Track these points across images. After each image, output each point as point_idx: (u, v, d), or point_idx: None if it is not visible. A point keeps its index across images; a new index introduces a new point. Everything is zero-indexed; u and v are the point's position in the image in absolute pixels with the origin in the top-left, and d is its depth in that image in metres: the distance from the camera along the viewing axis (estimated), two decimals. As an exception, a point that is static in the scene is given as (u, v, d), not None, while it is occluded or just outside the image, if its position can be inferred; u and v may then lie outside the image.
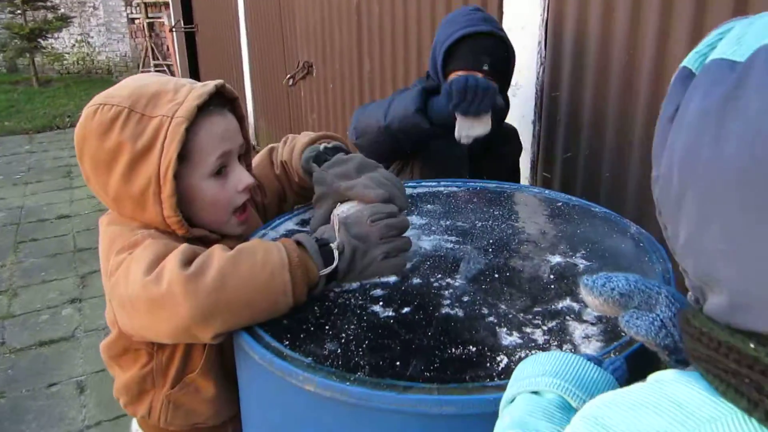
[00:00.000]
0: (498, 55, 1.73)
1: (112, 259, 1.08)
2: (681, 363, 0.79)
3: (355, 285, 1.10)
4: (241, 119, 1.27)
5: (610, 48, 1.86)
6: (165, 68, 12.95)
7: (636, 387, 0.56)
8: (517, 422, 0.67)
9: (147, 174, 1.10)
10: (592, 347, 0.89)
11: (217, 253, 1.00)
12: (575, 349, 0.89)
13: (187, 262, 0.98)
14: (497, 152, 1.91)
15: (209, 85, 1.16)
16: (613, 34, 1.84)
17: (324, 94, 3.95)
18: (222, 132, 1.19)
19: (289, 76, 4.17)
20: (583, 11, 1.92)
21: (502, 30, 1.77)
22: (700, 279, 0.53)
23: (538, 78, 2.15)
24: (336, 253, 1.05)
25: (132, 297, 1.00)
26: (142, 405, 1.25)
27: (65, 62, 13.88)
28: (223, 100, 1.22)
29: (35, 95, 11.49)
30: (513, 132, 2.02)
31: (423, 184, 1.61)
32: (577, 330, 0.94)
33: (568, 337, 0.92)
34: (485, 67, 1.70)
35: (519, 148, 2.04)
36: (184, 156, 1.12)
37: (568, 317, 0.97)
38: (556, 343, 0.91)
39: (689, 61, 0.57)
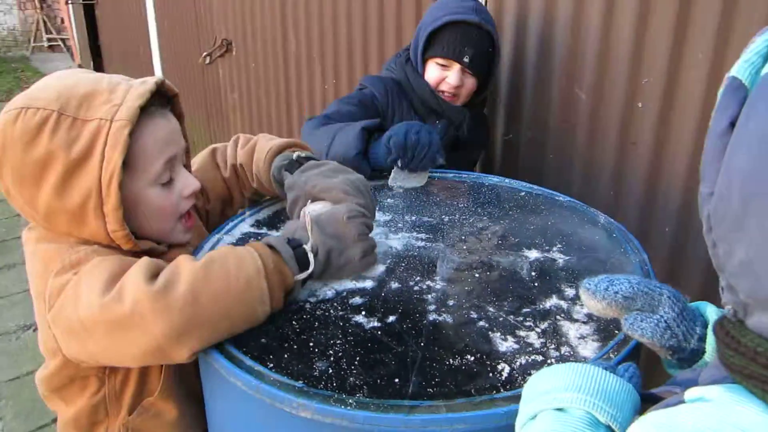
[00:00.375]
0: (481, 49, 1.69)
1: (51, 281, 0.96)
2: (683, 362, 0.80)
3: (330, 294, 1.05)
4: (181, 117, 1.17)
5: (554, 26, 1.85)
6: (60, 42, 12.14)
7: (686, 409, 0.55)
8: (545, 442, 0.65)
9: (86, 185, 0.98)
10: (589, 348, 0.89)
11: (186, 264, 0.92)
12: (574, 351, 0.88)
13: (152, 276, 0.90)
14: (467, 145, 1.87)
15: (149, 83, 1.05)
16: (557, 15, 1.83)
17: (246, 73, 3.79)
18: (166, 135, 1.09)
19: (205, 54, 3.97)
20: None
21: (491, 24, 1.71)
22: (756, 299, 0.52)
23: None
24: (311, 256, 1.00)
25: (86, 320, 0.90)
26: None
27: (-56, 38, 12.75)
28: (162, 99, 1.12)
29: None
30: (485, 123, 1.99)
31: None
32: (571, 330, 0.93)
33: (564, 339, 0.91)
34: (466, 59, 1.67)
35: (487, 138, 2.04)
36: (126, 163, 1.00)
37: (558, 317, 0.96)
38: (553, 346, 0.89)
39: (739, 71, 0.54)
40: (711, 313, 0.80)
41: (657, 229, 1.71)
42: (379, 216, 1.32)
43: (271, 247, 0.98)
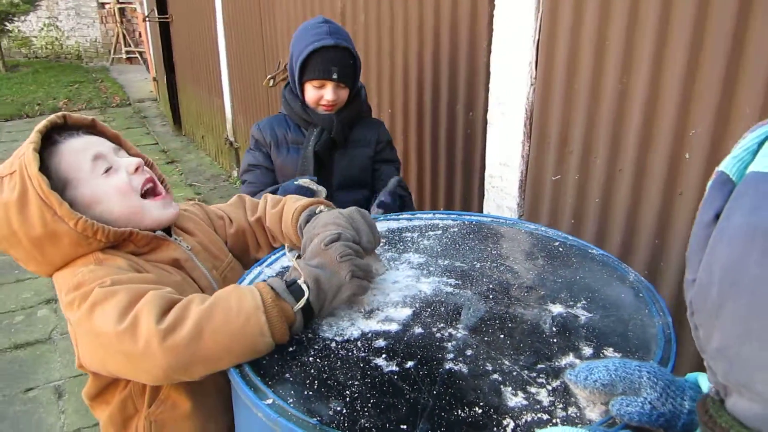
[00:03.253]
0: (344, 63, 2.04)
1: (64, 303, 1.12)
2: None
3: (356, 334, 1.10)
4: (113, 137, 1.34)
5: (603, 74, 1.86)
6: (137, 55, 12.72)
7: None
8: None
9: (35, 206, 1.14)
10: (596, 411, 0.90)
11: (194, 304, 1.03)
12: (581, 413, 0.90)
13: (163, 313, 1.01)
14: (349, 144, 2.19)
15: (51, 117, 1.25)
16: (606, 61, 1.85)
17: (306, 97, 3.91)
18: (81, 145, 1.25)
19: (269, 76, 4.10)
20: (576, 35, 1.93)
21: (346, 40, 2.05)
22: (731, 383, 0.54)
23: (528, 98, 2.15)
24: (304, 287, 1.07)
25: (104, 346, 1.04)
26: None
27: (33, 46, 13.54)
28: (81, 128, 1.29)
29: (2, 81, 11.22)
30: (370, 125, 2.26)
31: (418, 215, 1.61)
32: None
33: (573, 400, 0.92)
34: (335, 76, 2.02)
35: (378, 137, 2.25)
36: (63, 181, 1.21)
37: (572, 376, 0.98)
38: (561, 405, 0.91)
39: (727, 166, 0.57)
40: (705, 383, 0.81)
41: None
42: (414, 258, 1.36)
43: (270, 286, 1.08)
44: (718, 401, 0.58)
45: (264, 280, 1.10)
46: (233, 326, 1.00)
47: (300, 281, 1.08)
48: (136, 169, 1.28)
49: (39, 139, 1.20)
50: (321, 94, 2.07)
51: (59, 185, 1.20)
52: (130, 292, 1.05)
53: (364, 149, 2.21)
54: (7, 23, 12.14)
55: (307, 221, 1.30)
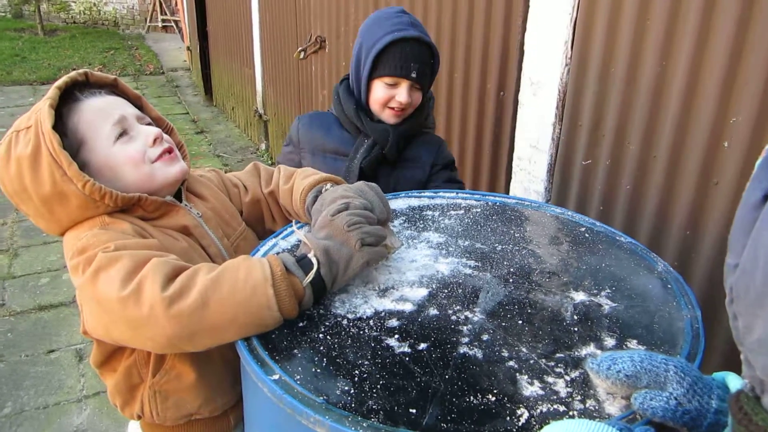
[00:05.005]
0: (425, 61, 1.73)
1: (69, 266, 1.11)
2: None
3: (369, 312, 1.07)
4: (135, 98, 1.31)
5: (642, 55, 1.79)
6: (173, 23, 12.76)
7: None
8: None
9: (46, 163, 1.13)
10: (616, 405, 0.86)
11: (201, 273, 1.00)
12: (599, 406, 0.86)
13: (168, 280, 0.99)
14: (399, 163, 1.86)
15: (72, 73, 1.22)
16: (646, 42, 1.77)
17: (336, 71, 3.86)
18: (104, 105, 1.23)
19: (300, 48, 4.07)
20: (615, 14, 1.85)
21: (428, 35, 1.75)
22: None
23: (561, 79, 2.08)
24: (314, 260, 1.04)
25: (108, 312, 1.01)
26: (135, 403, 1.27)
27: (71, 11, 13.66)
28: (97, 88, 1.26)
29: (40, 45, 11.33)
30: (429, 143, 1.92)
31: (441, 194, 1.56)
32: (602, 384, 0.90)
33: (591, 392, 0.88)
34: (413, 75, 1.71)
35: (437, 160, 1.91)
36: (79, 140, 1.19)
37: (591, 367, 0.94)
38: (579, 397, 0.87)
39: None
40: (734, 383, 0.76)
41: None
42: (433, 237, 1.32)
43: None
44: (754, 398, 0.54)
45: (276, 254, 1.07)
46: (239, 297, 0.97)
47: (309, 255, 1.05)
48: (155, 141, 1.25)
49: (57, 95, 1.17)
50: (392, 95, 1.74)
51: (74, 144, 1.19)
52: (134, 257, 1.03)
53: (415, 171, 1.87)
54: (46, -13, 12.27)
55: (314, 201, 1.26)
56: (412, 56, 1.69)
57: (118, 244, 1.07)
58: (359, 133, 1.82)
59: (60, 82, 1.20)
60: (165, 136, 1.29)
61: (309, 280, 1.03)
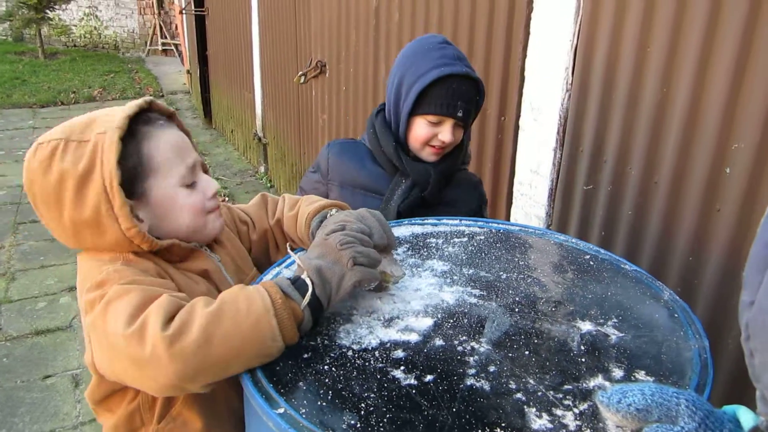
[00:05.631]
0: (470, 99, 1.64)
1: (84, 297, 1.07)
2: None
3: (374, 343, 1.05)
4: (186, 133, 1.29)
5: (643, 82, 1.80)
6: (173, 47, 12.85)
7: None
8: None
9: (95, 193, 1.09)
10: (626, 439, 0.85)
11: (199, 307, 0.98)
12: (609, 441, 0.84)
13: (169, 318, 0.96)
14: (439, 206, 1.76)
15: (139, 100, 1.20)
16: (647, 68, 1.78)
17: (336, 96, 3.88)
18: (180, 142, 1.22)
19: (301, 73, 4.10)
20: (616, 42, 1.86)
21: (474, 70, 1.67)
22: None
23: (562, 104, 2.09)
24: (308, 281, 1.03)
25: (113, 348, 0.99)
26: None
27: (72, 35, 13.77)
28: (161, 118, 1.24)
29: (40, 68, 11.39)
30: (469, 185, 1.87)
31: (444, 221, 1.56)
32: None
33: (601, 426, 0.87)
34: (459, 114, 1.62)
35: (475, 202, 1.86)
36: (150, 169, 1.16)
37: (600, 399, 0.92)
38: (588, 431, 0.86)
39: None
40: (745, 418, 0.75)
41: (737, 301, 1.62)
42: (437, 265, 1.31)
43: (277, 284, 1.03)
44: None
45: (271, 280, 1.06)
46: (243, 330, 0.96)
47: (303, 276, 1.04)
48: (213, 195, 1.26)
49: (126, 125, 1.13)
50: (435, 133, 1.65)
51: (141, 170, 1.15)
52: (145, 293, 1.01)
53: (453, 215, 1.72)
54: (48, 11, 12.32)
55: (319, 226, 1.26)
56: (458, 94, 1.61)
57: (136, 279, 1.06)
58: (395, 171, 1.73)
59: (130, 110, 1.16)
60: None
61: (306, 303, 1.02)
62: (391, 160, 1.71)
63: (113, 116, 1.14)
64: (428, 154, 1.70)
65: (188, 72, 9.64)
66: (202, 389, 0.99)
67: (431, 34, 1.83)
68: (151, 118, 1.20)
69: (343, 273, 1.06)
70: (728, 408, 0.80)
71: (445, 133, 1.65)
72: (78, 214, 1.11)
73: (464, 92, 1.62)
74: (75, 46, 13.77)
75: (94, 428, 2.90)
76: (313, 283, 1.03)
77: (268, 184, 6.14)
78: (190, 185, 1.22)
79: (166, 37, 13.06)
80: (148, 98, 1.22)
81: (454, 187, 1.79)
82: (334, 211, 1.29)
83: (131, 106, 1.17)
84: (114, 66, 12.05)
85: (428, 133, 1.66)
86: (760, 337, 0.51)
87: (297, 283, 1.04)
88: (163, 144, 1.18)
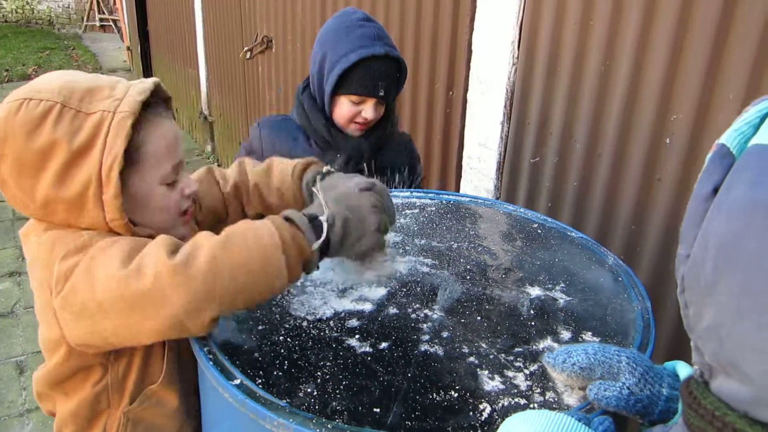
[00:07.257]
0: (391, 77, 1.68)
1: (57, 266, 0.98)
2: (654, 423, 0.80)
3: (329, 313, 1.06)
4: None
5: (587, 56, 1.84)
6: (111, 23, 12.40)
7: None
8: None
9: (86, 174, 1.00)
10: (575, 396, 0.88)
11: (205, 239, 0.93)
12: (558, 398, 0.88)
13: (173, 251, 0.92)
14: (379, 171, 1.80)
15: (147, 82, 1.09)
16: (590, 42, 1.82)
17: (284, 72, 3.83)
18: (174, 139, 1.13)
19: (246, 48, 4.03)
20: (560, 16, 1.90)
21: (394, 47, 1.69)
22: (719, 363, 0.53)
23: (509, 78, 2.12)
24: (325, 225, 0.98)
25: (103, 299, 0.92)
26: (93, 430, 1.16)
27: (2, 10, 13.13)
28: (161, 101, 1.15)
29: (-31, 45, 10.84)
30: (402, 146, 1.91)
31: (395, 193, 1.57)
32: (560, 376, 0.92)
33: (550, 384, 0.90)
34: (381, 93, 1.66)
35: (408, 161, 1.89)
36: (135, 158, 1.05)
37: (549, 360, 0.96)
38: (539, 390, 0.89)
39: (728, 139, 0.55)
40: (684, 371, 0.80)
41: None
42: (389, 237, 1.32)
43: (288, 219, 0.98)
44: (703, 383, 0.57)
45: (285, 217, 0.99)
46: (252, 264, 0.91)
47: (322, 218, 0.99)
48: (189, 196, 1.17)
49: (138, 110, 1.03)
50: (357, 111, 1.70)
51: (133, 156, 1.05)
52: (135, 241, 0.97)
53: (392, 180, 1.81)
54: (-26, -15, 11.75)
55: (314, 180, 1.19)
56: (379, 74, 1.64)
57: (118, 238, 1.00)
58: (328, 147, 1.76)
59: (143, 94, 1.05)
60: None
61: (319, 245, 0.97)
62: (323, 137, 1.74)
63: (122, 93, 1.04)
64: (353, 130, 1.75)
65: (128, 49, 9.33)
66: (204, 329, 0.93)
67: (351, 8, 1.82)
68: (151, 103, 1.10)
69: (363, 234, 1.03)
70: (668, 364, 0.84)
71: (368, 111, 1.70)
72: (58, 190, 1.01)
73: (384, 72, 1.66)
74: (6, 21, 13.14)
75: (41, 416, 2.83)
76: (332, 231, 0.99)
77: (216, 163, 6.04)
78: (170, 184, 1.13)
79: (104, 13, 12.58)
80: (155, 79, 1.12)
81: (388, 153, 1.84)
82: (328, 168, 1.24)
83: (143, 89, 1.06)
84: (49, 42, 11.55)
85: (352, 111, 1.70)
86: (694, 289, 0.54)
87: (314, 222, 0.99)
88: (157, 136, 1.09)
